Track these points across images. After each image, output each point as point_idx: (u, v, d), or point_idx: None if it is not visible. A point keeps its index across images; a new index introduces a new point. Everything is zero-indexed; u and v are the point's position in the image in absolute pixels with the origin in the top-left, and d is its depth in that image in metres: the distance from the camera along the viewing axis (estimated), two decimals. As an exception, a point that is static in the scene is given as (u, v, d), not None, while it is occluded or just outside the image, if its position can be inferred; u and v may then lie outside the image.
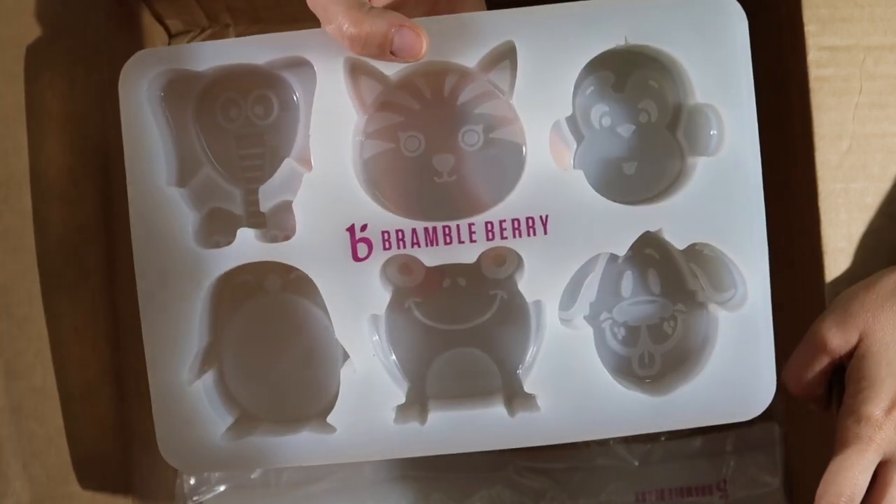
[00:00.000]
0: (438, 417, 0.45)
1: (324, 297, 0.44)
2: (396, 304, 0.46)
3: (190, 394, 0.45)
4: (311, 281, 0.44)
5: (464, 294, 0.47)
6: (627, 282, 0.48)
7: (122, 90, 0.44)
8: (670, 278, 0.48)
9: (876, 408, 0.41)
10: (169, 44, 0.64)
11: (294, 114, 0.46)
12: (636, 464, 0.60)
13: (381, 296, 0.44)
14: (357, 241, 0.43)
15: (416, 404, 0.47)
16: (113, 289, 0.51)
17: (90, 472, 0.51)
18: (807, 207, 0.49)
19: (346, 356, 0.46)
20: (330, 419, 0.44)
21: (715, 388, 0.45)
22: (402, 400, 0.45)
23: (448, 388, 0.47)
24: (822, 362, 0.45)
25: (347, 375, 0.45)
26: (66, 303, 0.49)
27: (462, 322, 0.48)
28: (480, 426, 0.45)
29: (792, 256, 0.52)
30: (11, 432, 0.46)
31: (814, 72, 0.47)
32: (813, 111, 0.47)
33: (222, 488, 0.61)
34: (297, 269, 0.44)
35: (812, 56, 0.47)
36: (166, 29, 0.63)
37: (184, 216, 0.44)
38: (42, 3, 0.49)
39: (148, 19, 0.61)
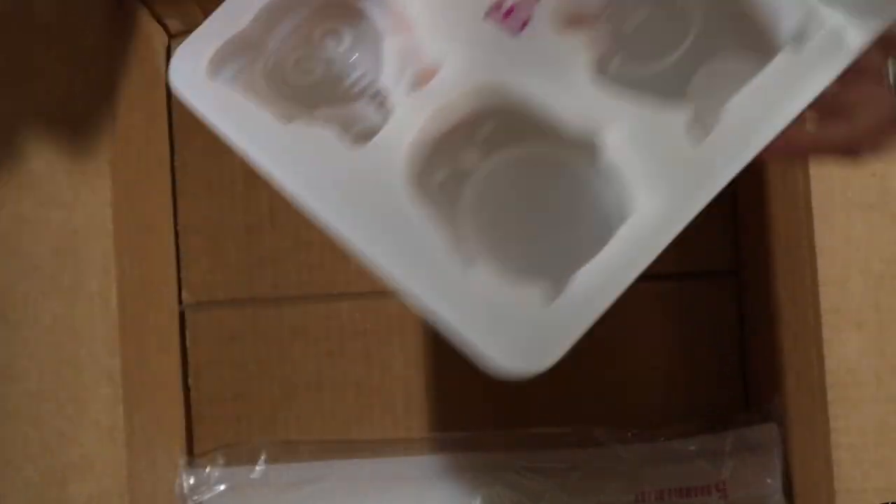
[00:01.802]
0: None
1: None
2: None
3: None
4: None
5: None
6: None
7: (179, 91, 0.39)
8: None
9: None
10: (169, 44, 0.64)
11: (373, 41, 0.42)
12: (636, 464, 0.60)
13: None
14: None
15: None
16: (109, 292, 0.51)
17: (88, 474, 0.49)
18: (803, 208, 0.49)
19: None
20: None
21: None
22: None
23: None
24: None
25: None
26: (62, 306, 0.50)
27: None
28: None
29: (788, 257, 0.53)
30: (7, 436, 0.47)
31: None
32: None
33: (222, 488, 0.56)
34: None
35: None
36: (166, 29, 0.63)
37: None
38: (41, 5, 0.51)
39: (148, 20, 0.61)
